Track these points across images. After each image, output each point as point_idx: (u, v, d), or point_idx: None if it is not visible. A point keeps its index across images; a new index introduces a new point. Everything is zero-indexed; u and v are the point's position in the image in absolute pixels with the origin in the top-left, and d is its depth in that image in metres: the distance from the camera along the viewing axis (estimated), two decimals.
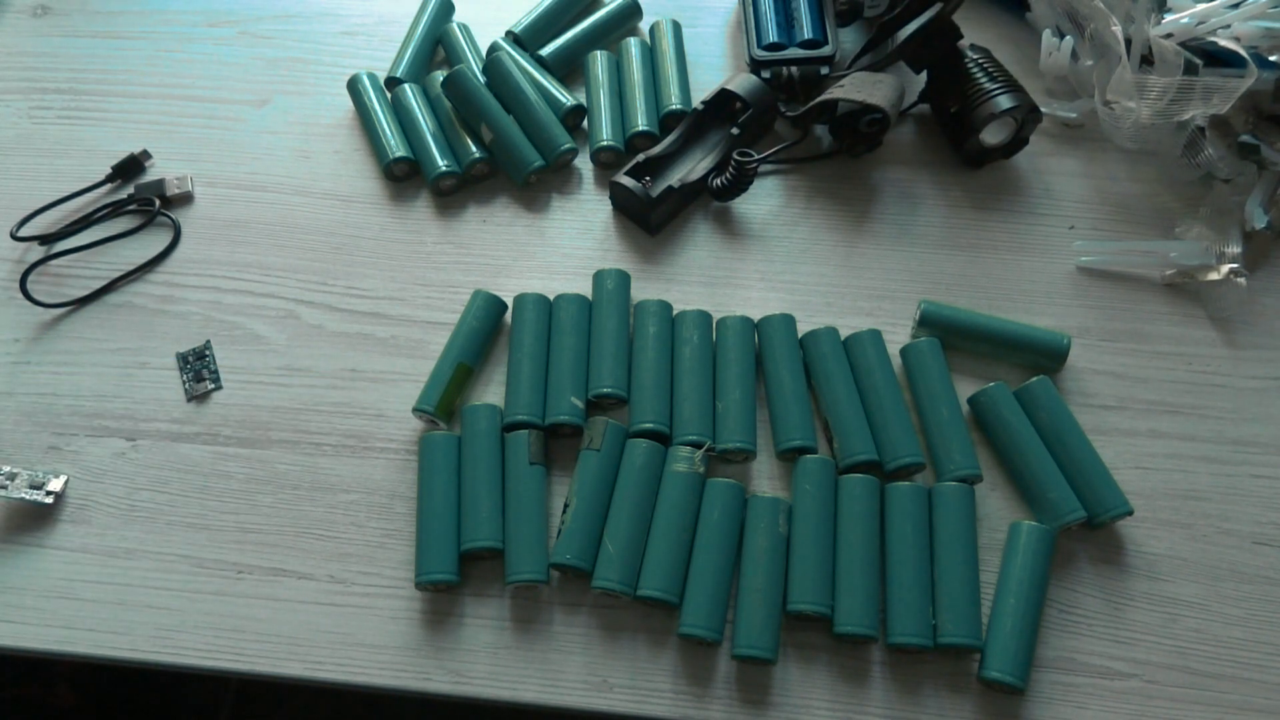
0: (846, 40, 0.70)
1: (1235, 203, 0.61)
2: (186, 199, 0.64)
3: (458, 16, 0.72)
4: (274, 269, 0.61)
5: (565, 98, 0.65)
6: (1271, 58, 0.60)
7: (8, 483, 0.53)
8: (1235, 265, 0.58)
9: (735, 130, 0.62)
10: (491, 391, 0.57)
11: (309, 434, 0.55)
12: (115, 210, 0.63)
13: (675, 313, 0.57)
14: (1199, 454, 0.54)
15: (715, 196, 0.62)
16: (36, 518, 0.53)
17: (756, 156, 0.59)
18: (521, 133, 0.63)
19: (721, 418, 0.53)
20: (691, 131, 0.64)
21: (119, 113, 0.68)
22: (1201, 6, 0.60)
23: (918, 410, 0.54)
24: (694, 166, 0.62)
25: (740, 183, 0.60)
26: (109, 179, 0.65)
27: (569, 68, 0.69)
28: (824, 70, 0.64)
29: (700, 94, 0.64)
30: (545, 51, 0.68)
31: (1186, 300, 0.59)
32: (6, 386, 0.57)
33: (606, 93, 0.65)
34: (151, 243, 0.62)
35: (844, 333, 0.56)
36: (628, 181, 0.60)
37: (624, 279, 0.58)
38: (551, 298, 0.57)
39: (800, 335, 0.56)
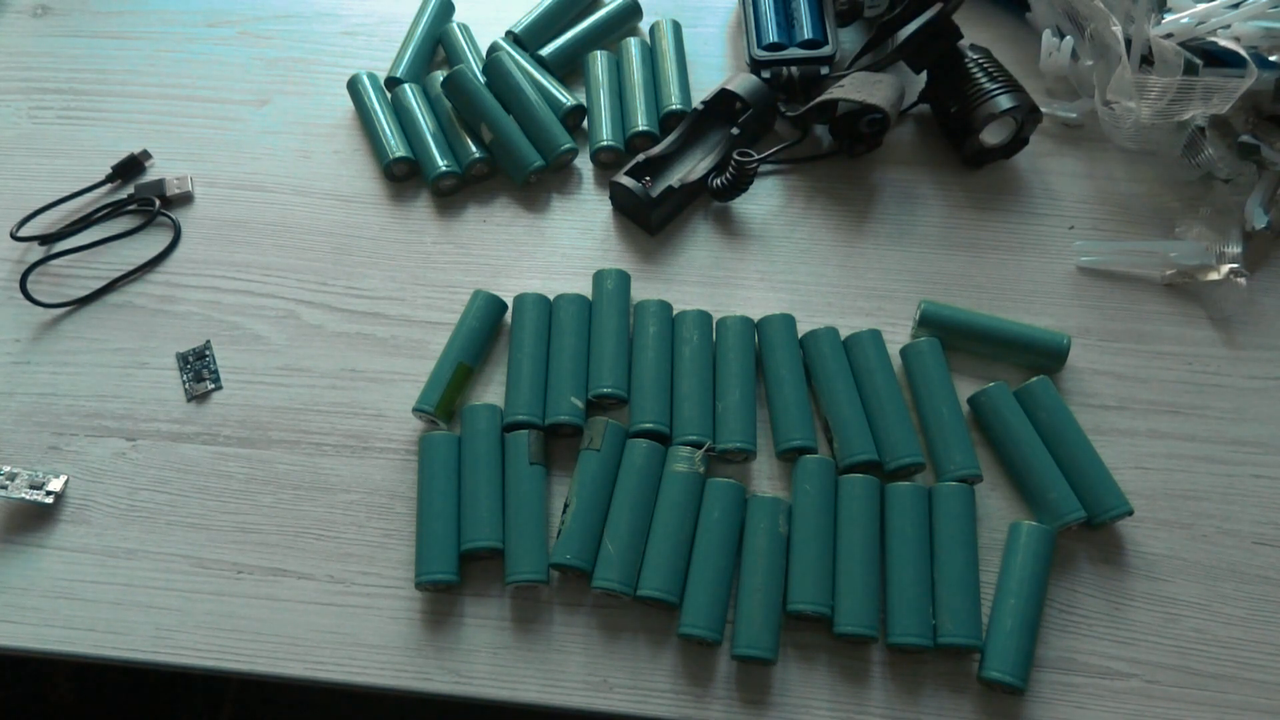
0: (846, 40, 0.70)
1: (1235, 203, 0.61)
2: (186, 199, 0.64)
3: (458, 16, 0.72)
4: (274, 269, 0.61)
5: (565, 98, 0.65)
6: (1271, 58, 0.60)
7: (8, 483, 0.53)
8: (1235, 265, 0.58)
9: (735, 130, 0.62)
10: (491, 391, 0.57)
11: (309, 434, 0.55)
12: (115, 210, 0.63)
13: (675, 313, 0.57)
14: (1199, 454, 0.54)
15: (715, 196, 0.62)
16: (36, 518, 0.53)
17: (756, 156, 0.59)
18: (521, 133, 0.63)
19: (721, 418, 0.53)
20: (691, 131, 0.64)
21: (119, 113, 0.68)
22: (1201, 6, 0.60)
23: (918, 410, 0.54)
24: (694, 166, 0.62)
25: (740, 183, 0.60)
26: (109, 179, 0.65)
27: (569, 68, 0.69)
28: (824, 70, 0.64)
29: (700, 94, 0.64)
30: (545, 51, 0.68)
31: (1186, 300, 0.59)
32: (6, 386, 0.57)
33: (606, 93, 0.65)
34: (151, 243, 0.62)
35: (844, 333, 0.56)
36: (628, 181, 0.60)
37: (624, 279, 0.58)
38: (551, 298, 0.57)
39: (800, 335, 0.56)
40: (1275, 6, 0.60)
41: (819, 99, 0.61)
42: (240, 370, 0.58)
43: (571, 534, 0.49)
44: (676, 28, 0.69)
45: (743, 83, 0.63)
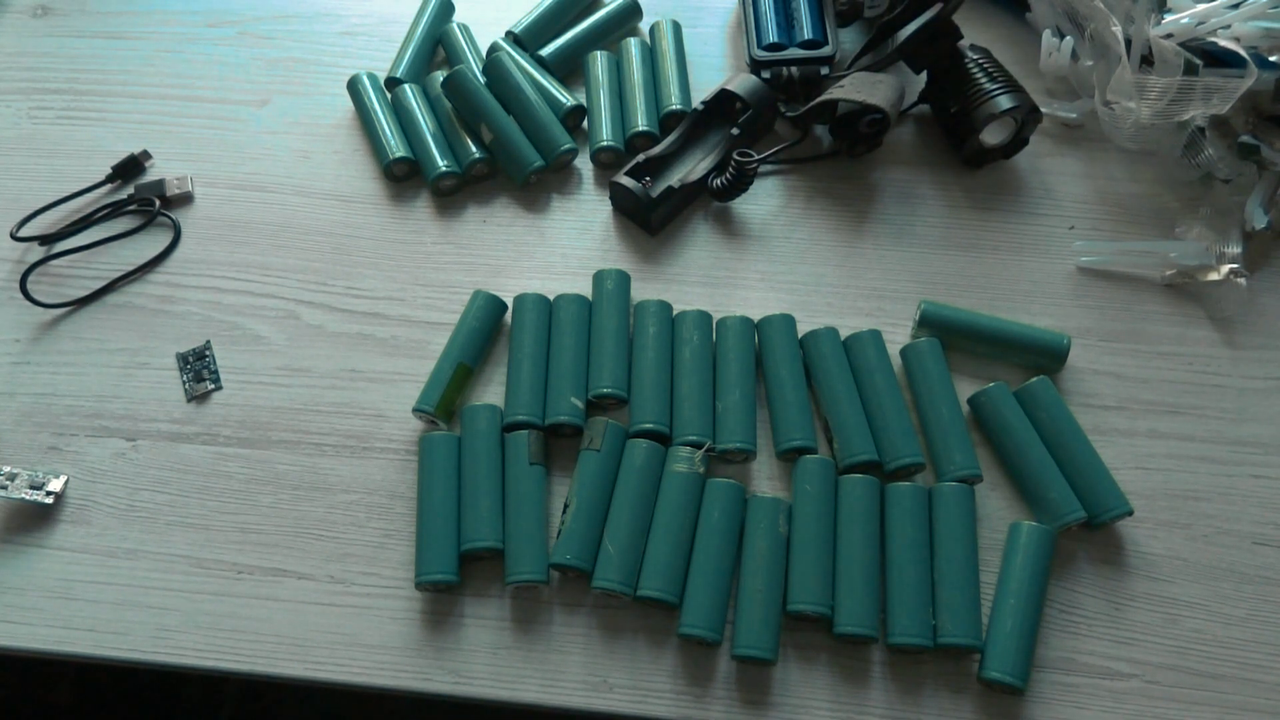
0: (846, 40, 0.70)
1: (1235, 203, 0.61)
2: (186, 199, 0.64)
3: (458, 16, 0.72)
4: (274, 269, 0.61)
5: (565, 98, 0.65)
6: (1271, 58, 0.60)
7: (8, 483, 0.53)
8: (1235, 265, 0.58)
9: (735, 130, 0.62)
10: (491, 391, 0.57)
11: (309, 434, 0.55)
12: (115, 210, 0.63)
13: (675, 313, 0.57)
14: (1199, 454, 0.54)
15: (715, 196, 0.62)
16: (36, 518, 0.53)
17: (756, 156, 0.59)
18: (521, 133, 0.63)
19: (721, 418, 0.53)
20: (691, 131, 0.64)
21: (119, 113, 0.68)
22: (1201, 6, 0.60)
23: (918, 410, 0.54)
24: (694, 166, 0.62)
25: (740, 183, 0.60)
26: (109, 179, 0.65)
27: (569, 68, 0.69)
28: (824, 70, 0.64)
29: (700, 94, 0.64)
30: (545, 51, 0.68)
31: (1186, 300, 0.59)
32: (6, 386, 0.57)
33: (606, 93, 0.65)
34: (151, 243, 0.62)
35: (844, 333, 0.56)
36: (628, 181, 0.60)
37: (624, 279, 0.58)
38: (551, 298, 0.57)
39: (800, 335, 0.56)
40: (1275, 6, 0.60)
41: (819, 99, 0.61)
42: (240, 370, 0.58)
43: (571, 534, 0.49)
44: (676, 28, 0.69)
45: (743, 83, 0.63)
